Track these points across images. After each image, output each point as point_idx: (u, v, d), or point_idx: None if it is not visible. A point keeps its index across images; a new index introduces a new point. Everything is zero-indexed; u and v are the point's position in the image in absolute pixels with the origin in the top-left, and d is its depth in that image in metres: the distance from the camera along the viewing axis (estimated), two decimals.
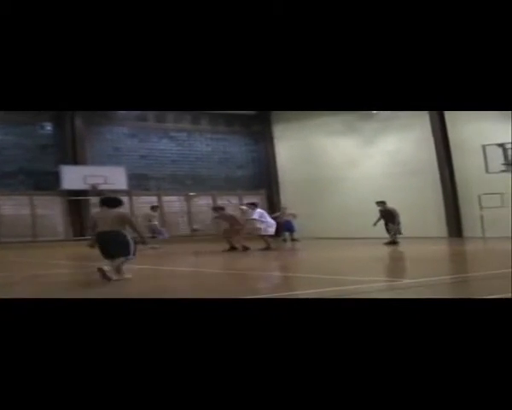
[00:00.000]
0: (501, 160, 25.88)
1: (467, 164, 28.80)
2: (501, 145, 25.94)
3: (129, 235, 11.89)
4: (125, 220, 12.11)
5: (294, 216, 30.47)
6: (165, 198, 33.72)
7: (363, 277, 11.58)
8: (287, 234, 30.38)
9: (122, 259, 11.71)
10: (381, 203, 24.35)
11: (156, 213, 27.26)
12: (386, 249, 21.77)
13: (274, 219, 29.40)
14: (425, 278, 11.19)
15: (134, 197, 31.84)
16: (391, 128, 31.64)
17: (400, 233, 24.05)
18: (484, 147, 26.06)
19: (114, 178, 31.13)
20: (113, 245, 11.67)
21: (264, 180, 36.43)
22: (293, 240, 29.87)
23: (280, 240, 29.59)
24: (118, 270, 11.68)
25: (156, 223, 26.65)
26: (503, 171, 25.75)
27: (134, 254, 11.96)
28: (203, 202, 34.17)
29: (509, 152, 25.84)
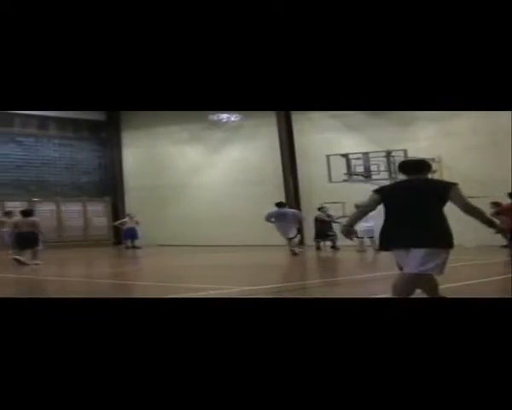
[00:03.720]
0: (343, 170, 25.53)
1: (311, 173, 28.49)
2: (345, 155, 25.64)
3: None
4: None
5: (137, 223, 29.48)
6: (9, 204, 31.19)
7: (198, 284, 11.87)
8: (129, 241, 29.43)
9: None
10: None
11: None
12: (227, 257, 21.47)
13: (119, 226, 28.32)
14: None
15: None
16: (237, 137, 30.89)
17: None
18: (328, 157, 25.62)
19: None
20: None
21: (110, 187, 34.89)
22: (134, 247, 28.77)
23: (123, 247, 29.18)
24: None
25: None
26: (345, 180, 25.47)
27: None
28: (47, 208, 32.42)
29: (352, 162, 25.57)
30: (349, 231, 7.33)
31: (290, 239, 21.72)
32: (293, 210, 23.28)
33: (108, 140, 35.48)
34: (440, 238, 6.82)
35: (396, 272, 7.26)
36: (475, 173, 24.32)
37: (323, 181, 25.79)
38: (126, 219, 30.19)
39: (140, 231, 29.41)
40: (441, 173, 25.40)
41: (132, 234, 29.36)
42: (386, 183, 25.56)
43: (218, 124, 31.15)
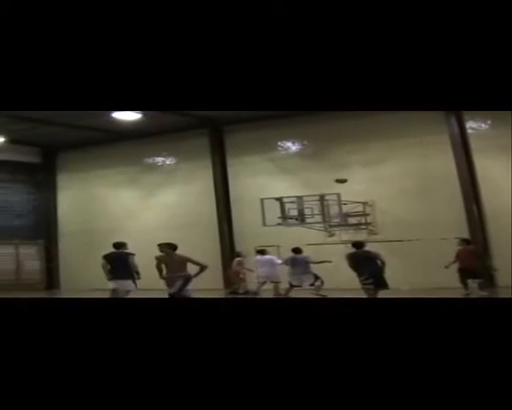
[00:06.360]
0: (278, 213, 24.88)
1: (245, 217, 27.82)
2: (278, 199, 25.03)
3: None
4: None
5: None
6: None
7: None
8: None
9: None
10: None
11: None
12: None
13: None
14: None
15: None
16: (173, 180, 30.08)
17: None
18: (262, 200, 24.97)
19: None
20: None
21: (44, 230, 33.42)
22: None
23: None
24: None
25: None
26: (280, 224, 24.80)
27: None
28: None
29: (286, 206, 24.98)
30: None
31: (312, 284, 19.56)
32: (302, 255, 20.74)
33: (43, 183, 34.14)
34: None
35: None
36: (409, 217, 24.03)
37: (258, 225, 25.06)
38: None
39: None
40: (375, 217, 24.99)
41: None
42: (320, 226, 25.25)
43: (154, 167, 30.41)
